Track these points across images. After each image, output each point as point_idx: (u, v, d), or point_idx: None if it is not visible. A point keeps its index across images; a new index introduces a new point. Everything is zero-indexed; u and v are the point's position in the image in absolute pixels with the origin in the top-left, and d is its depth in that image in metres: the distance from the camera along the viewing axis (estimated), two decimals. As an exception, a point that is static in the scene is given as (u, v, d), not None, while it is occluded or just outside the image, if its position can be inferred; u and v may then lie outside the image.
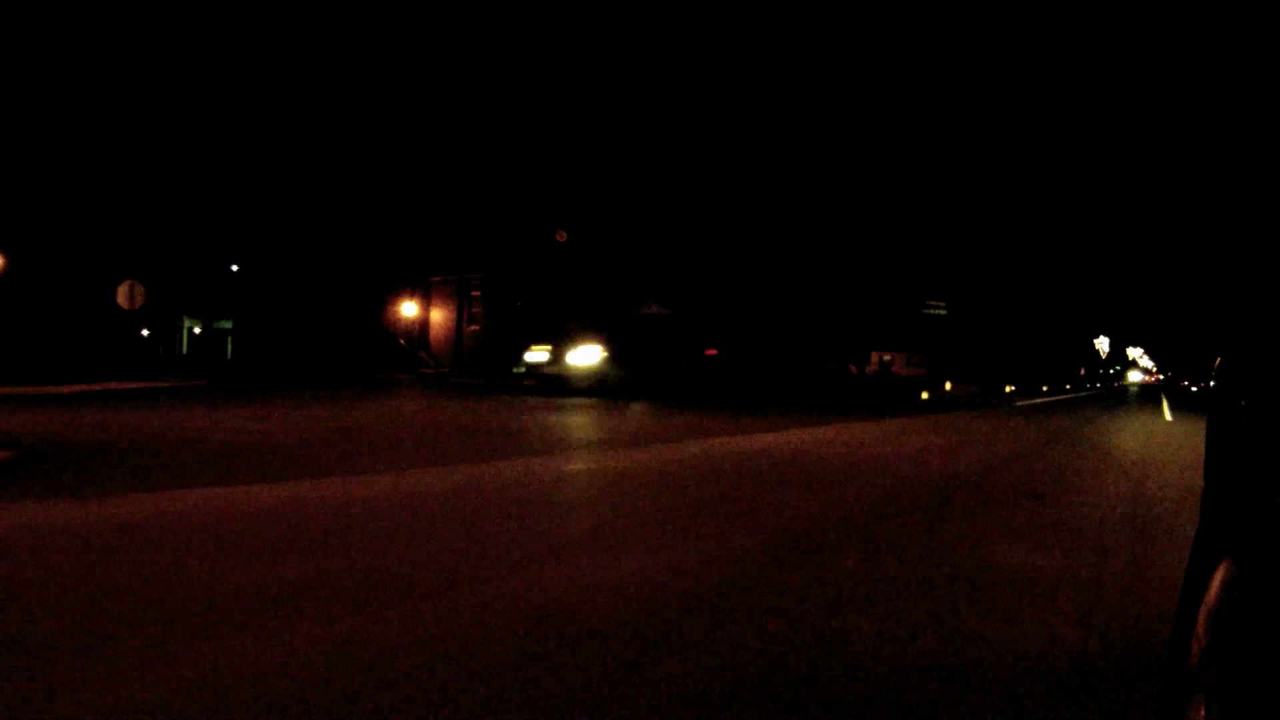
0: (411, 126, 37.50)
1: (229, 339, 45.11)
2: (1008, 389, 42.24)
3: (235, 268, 40.44)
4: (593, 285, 32.72)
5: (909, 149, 44.91)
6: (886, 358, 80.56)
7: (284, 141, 36.68)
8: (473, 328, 35.62)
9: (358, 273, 37.74)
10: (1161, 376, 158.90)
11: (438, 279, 37.79)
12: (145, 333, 40.25)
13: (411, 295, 37.66)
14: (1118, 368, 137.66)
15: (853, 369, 51.27)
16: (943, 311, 41.29)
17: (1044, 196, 76.22)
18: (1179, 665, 1.59)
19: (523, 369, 19.43)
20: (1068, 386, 69.09)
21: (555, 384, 17.60)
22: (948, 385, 31.70)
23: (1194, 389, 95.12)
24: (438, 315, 37.97)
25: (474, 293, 35.53)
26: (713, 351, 20.16)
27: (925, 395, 26.52)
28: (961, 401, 25.51)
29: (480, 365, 33.57)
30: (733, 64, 39.46)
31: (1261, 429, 1.55)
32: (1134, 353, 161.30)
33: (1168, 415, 21.63)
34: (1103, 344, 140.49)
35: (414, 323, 38.18)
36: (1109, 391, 67.27)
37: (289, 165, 36.61)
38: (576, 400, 15.38)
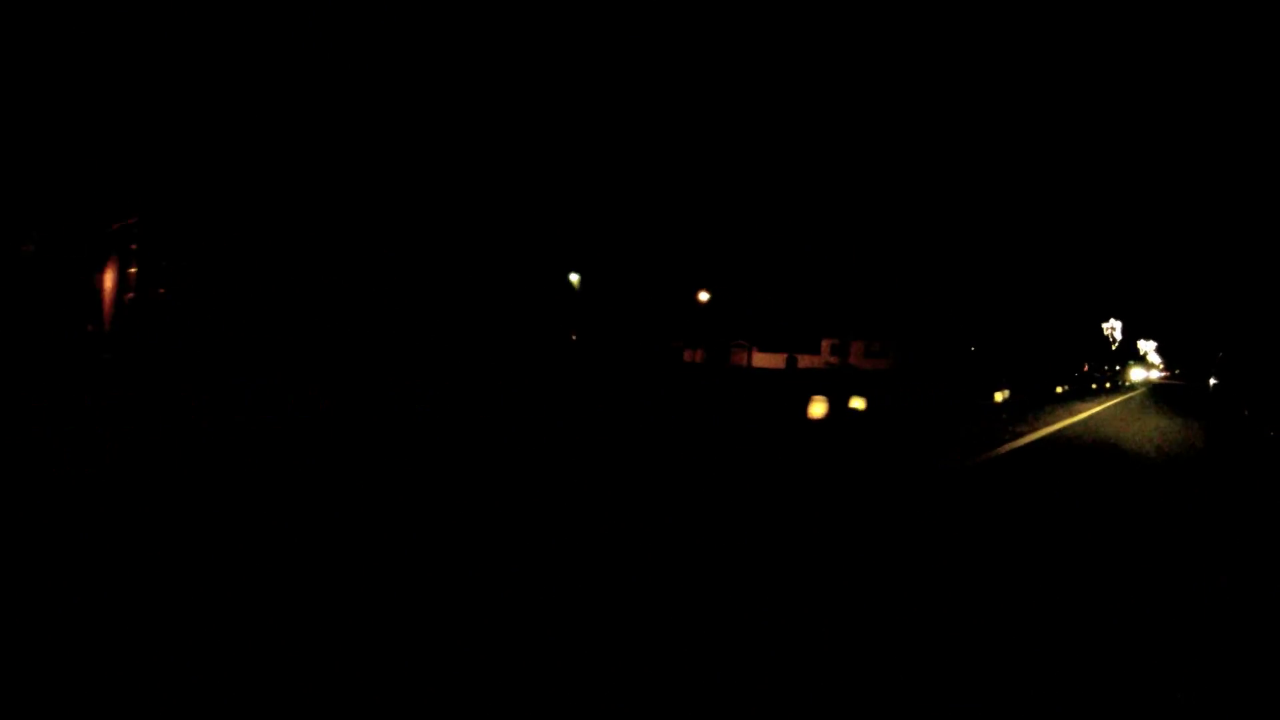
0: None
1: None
2: (852, 405, 22.15)
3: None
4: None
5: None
6: (856, 346, 66.91)
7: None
8: (129, 296, 23.89)
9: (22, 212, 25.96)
10: (1171, 374, 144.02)
11: (119, 225, 25.96)
12: None
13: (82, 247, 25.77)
14: (1129, 361, 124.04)
15: (690, 356, 34.07)
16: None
17: (1056, 162, 63.28)
18: None
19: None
20: (1059, 390, 53.31)
21: None
22: None
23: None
24: (111, 277, 26.19)
25: (131, 245, 23.74)
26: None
27: None
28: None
29: (144, 351, 22.03)
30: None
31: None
32: (1145, 346, 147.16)
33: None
34: (1114, 328, 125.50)
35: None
36: (1134, 399, 50.77)
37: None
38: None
